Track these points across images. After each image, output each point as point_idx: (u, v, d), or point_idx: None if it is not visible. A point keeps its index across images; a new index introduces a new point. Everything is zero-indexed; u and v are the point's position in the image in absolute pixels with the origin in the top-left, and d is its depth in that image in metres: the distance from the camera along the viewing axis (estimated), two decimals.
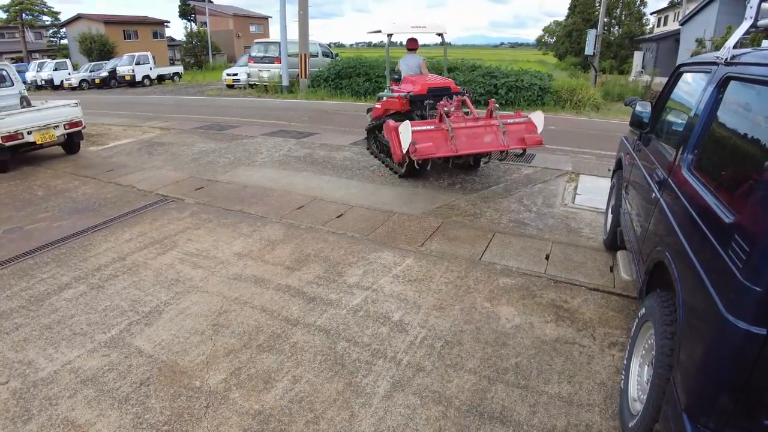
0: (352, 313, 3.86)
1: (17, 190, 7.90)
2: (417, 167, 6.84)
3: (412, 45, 8.52)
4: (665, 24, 42.23)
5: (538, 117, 7.14)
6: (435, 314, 3.83)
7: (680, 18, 32.08)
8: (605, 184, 6.93)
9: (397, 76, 8.41)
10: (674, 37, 31.99)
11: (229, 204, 6.61)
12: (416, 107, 7.36)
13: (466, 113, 7.14)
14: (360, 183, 7.43)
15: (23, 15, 45.63)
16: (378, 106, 7.98)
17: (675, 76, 3.79)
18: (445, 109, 6.46)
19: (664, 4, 44.31)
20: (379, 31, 8.24)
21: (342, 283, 4.36)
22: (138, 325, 3.82)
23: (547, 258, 4.83)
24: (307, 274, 4.53)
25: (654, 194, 3.08)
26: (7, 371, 3.36)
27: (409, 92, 7.36)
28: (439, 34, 8.64)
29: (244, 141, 10.80)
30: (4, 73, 10.74)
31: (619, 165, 5.02)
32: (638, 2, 44.82)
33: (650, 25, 47.35)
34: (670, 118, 3.63)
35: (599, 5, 45.42)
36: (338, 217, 6.01)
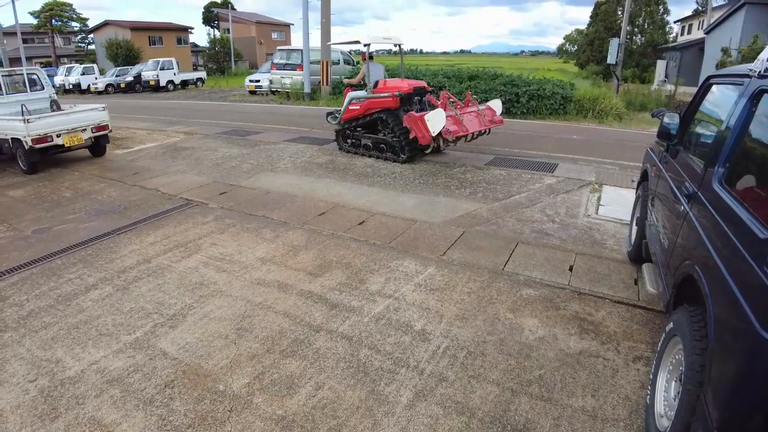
0: (375, 321, 3.87)
1: (46, 192, 8.10)
2: (440, 149, 9.32)
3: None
4: (689, 32, 41.70)
5: (496, 104, 9.44)
6: (458, 324, 3.82)
7: (705, 27, 31.64)
8: (629, 195, 6.88)
9: (357, 82, 10.09)
10: (698, 46, 31.52)
11: (253, 209, 6.69)
12: (403, 104, 9.01)
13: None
14: (381, 190, 7.46)
15: (53, 21, 46.84)
16: (355, 107, 9.35)
17: (704, 88, 3.75)
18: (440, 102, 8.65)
19: (689, 13, 43.78)
20: (358, 42, 9.66)
21: (364, 290, 4.37)
22: (163, 327, 3.88)
23: (570, 269, 4.79)
24: (329, 281, 4.56)
25: (682, 207, 3.05)
26: (35, 369, 3.44)
27: (401, 92, 8.89)
28: (397, 45, 10.36)
29: (266, 147, 10.92)
30: (35, 77, 11.04)
31: (644, 176, 4.96)
32: (661, 10, 44.33)
33: (673, 34, 46.78)
34: (700, 130, 3.58)
35: (622, 14, 45.18)
36: (360, 224, 6.03)
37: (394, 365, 3.34)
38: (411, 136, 8.65)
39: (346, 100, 9.68)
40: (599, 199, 6.94)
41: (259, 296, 4.31)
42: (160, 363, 3.44)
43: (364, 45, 9.26)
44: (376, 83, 9.29)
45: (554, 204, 6.72)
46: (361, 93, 9.47)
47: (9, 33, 36.78)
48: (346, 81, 10.89)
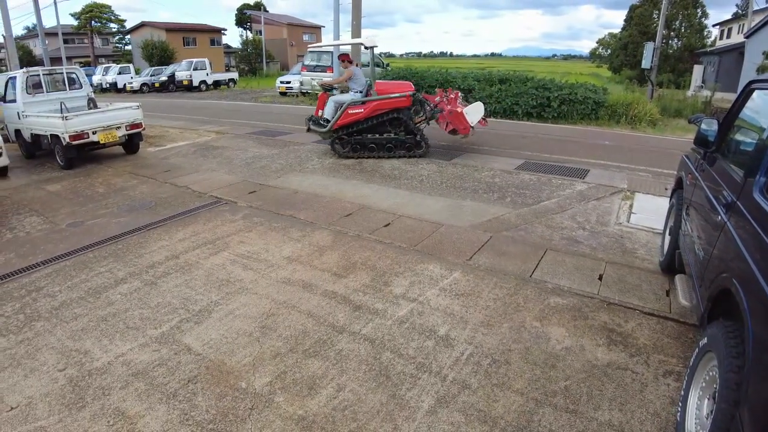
0: (398, 324, 3.84)
1: (81, 187, 8.32)
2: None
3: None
4: (728, 36, 40.48)
5: (477, 106, 10.00)
6: (483, 331, 3.77)
7: (745, 30, 30.71)
8: (662, 203, 6.71)
9: (340, 83, 9.99)
10: (738, 50, 30.58)
11: (280, 208, 6.74)
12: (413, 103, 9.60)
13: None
14: (408, 193, 7.43)
15: (93, 22, 48.25)
16: (357, 111, 9.28)
17: (745, 94, 3.61)
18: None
19: (728, 16, 42.56)
20: (362, 44, 10.06)
21: (388, 293, 4.35)
22: (188, 323, 3.93)
23: (600, 278, 4.67)
24: (353, 282, 4.55)
25: (720, 217, 2.94)
26: (65, 359, 3.53)
27: (414, 92, 9.48)
28: (369, 48, 10.24)
29: (295, 147, 11.01)
30: (74, 76, 11.37)
31: (678, 184, 4.81)
32: (699, 14, 43.21)
33: (712, 38, 45.56)
34: (740, 137, 3.46)
35: (658, 17, 44.20)
36: (385, 226, 6.02)
37: (417, 370, 3.31)
38: (448, 129, 9.72)
39: (330, 105, 9.49)
40: (631, 206, 6.78)
41: (284, 295, 4.33)
42: (184, 358, 3.48)
43: (366, 48, 9.40)
44: (369, 86, 9.48)
45: (585, 211, 6.59)
46: (347, 97, 9.44)
47: (50, 33, 37.91)
48: (324, 82, 10.41)
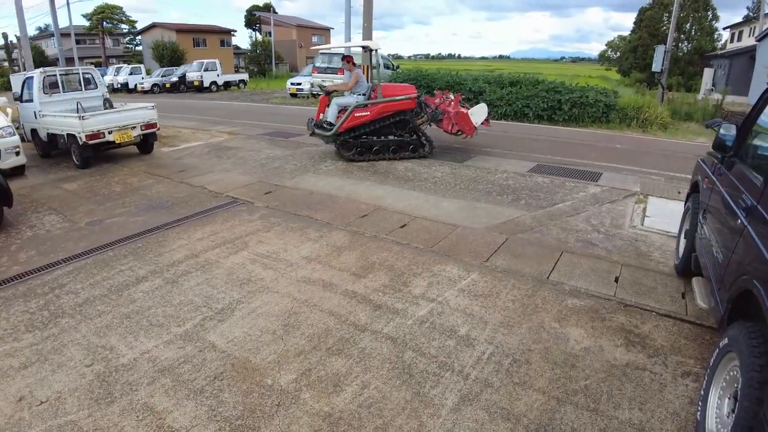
0: (419, 324, 3.90)
1: (97, 186, 8.43)
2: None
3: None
4: (739, 40, 40.26)
5: (481, 108, 10.30)
6: (502, 331, 3.82)
7: (757, 34, 30.52)
8: (675, 207, 6.76)
9: (348, 89, 9.81)
10: (749, 53, 30.37)
11: (297, 209, 6.81)
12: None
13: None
14: (422, 194, 7.48)
15: (104, 23, 48.64)
16: (363, 114, 9.26)
17: (765, 99, 3.64)
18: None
19: (738, 19, 42.32)
20: (368, 47, 10.25)
21: (407, 293, 4.41)
22: (211, 320, 4.00)
23: (616, 281, 4.70)
24: (372, 282, 4.61)
25: (739, 221, 2.97)
26: (91, 355, 3.60)
27: (418, 93, 9.86)
28: (372, 50, 10.47)
29: (308, 149, 11.08)
30: (89, 76, 11.50)
31: (693, 188, 4.84)
32: (710, 16, 43.00)
33: (722, 41, 45.33)
34: (759, 142, 3.48)
35: (668, 20, 44.01)
36: (402, 227, 6.07)
37: (439, 369, 3.36)
38: (454, 130, 9.92)
39: (333, 108, 9.47)
40: (645, 210, 6.80)
41: (305, 294, 4.40)
42: (209, 355, 3.55)
43: (371, 50, 9.53)
44: (370, 88, 9.51)
45: (599, 213, 6.62)
46: (351, 99, 9.45)
47: (63, 34, 38.23)
48: (330, 87, 10.27)
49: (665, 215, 6.55)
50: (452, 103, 10.32)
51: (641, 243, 5.66)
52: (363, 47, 10.91)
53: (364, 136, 9.61)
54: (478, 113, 9.94)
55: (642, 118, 14.69)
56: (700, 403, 2.77)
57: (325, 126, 9.51)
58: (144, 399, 3.13)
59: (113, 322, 4.04)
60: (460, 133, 10.08)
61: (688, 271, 4.48)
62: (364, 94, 9.48)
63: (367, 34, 18.82)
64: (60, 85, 10.84)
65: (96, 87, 11.50)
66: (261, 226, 6.16)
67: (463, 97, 11.79)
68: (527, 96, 15.56)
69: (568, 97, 15.05)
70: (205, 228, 6.14)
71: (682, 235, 4.97)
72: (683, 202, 5.17)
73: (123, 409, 3.04)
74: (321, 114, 9.75)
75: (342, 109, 9.42)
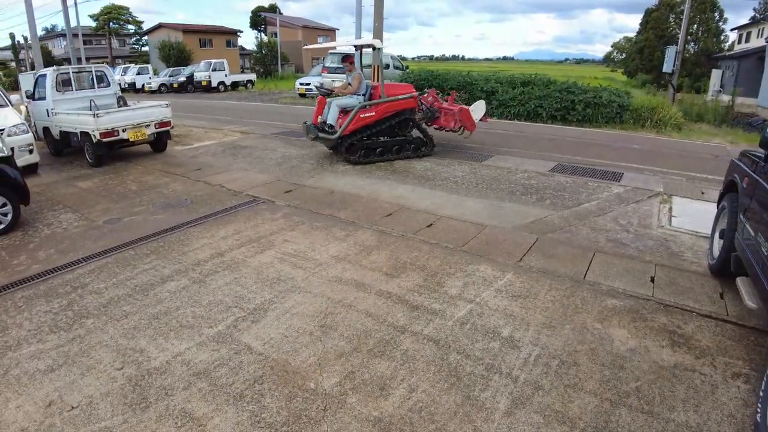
0: (459, 325, 3.77)
1: (112, 184, 8.33)
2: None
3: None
4: (747, 41, 39.97)
5: (479, 105, 10.63)
6: (546, 332, 3.69)
7: (765, 34, 30.36)
8: (701, 207, 6.71)
9: (354, 91, 9.35)
10: (758, 54, 30.22)
11: (319, 208, 6.70)
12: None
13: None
14: (445, 194, 7.36)
15: (111, 23, 48.71)
16: (369, 114, 9.00)
17: None
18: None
19: (744, 20, 42.16)
20: (371, 45, 9.84)
21: (443, 293, 4.28)
22: (244, 321, 3.88)
23: (652, 280, 4.59)
24: (406, 282, 4.49)
25: None
26: (121, 357, 3.46)
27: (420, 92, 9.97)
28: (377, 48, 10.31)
29: (323, 148, 10.92)
30: (102, 74, 11.40)
31: (728, 188, 4.74)
32: (717, 18, 42.86)
33: (729, 42, 45.17)
34: None
35: (674, 21, 43.90)
36: (428, 226, 5.95)
37: (487, 371, 3.24)
38: (457, 127, 10.06)
39: (334, 110, 9.07)
40: (671, 210, 6.68)
41: (339, 294, 4.27)
42: (246, 358, 3.42)
43: (374, 48, 9.39)
44: (370, 88, 9.34)
45: (626, 213, 6.49)
46: (352, 100, 9.13)
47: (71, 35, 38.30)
48: (337, 90, 9.93)
49: (692, 215, 6.45)
50: (448, 100, 10.65)
51: (672, 243, 5.54)
52: (367, 45, 10.63)
53: (369, 138, 9.30)
54: (477, 109, 10.23)
55: (656, 119, 14.55)
56: (759, 405, 2.67)
57: (327, 129, 9.12)
58: (181, 404, 2.99)
59: (141, 323, 3.90)
60: (461, 129, 10.14)
61: (726, 272, 4.38)
62: (363, 95, 9.21)
63: (378, 34, 18.73)
64: (73, 82, 10.72)
65: (108, 85, 11.40)
66: (285, 225, 6.04)
67: (458, 95, 12.32)
68: (540, 96, 15.44)
69: (581, 97, 14.92)
70: (228, 227, 6.02)
71: (716, 235, 4.86)
72: (713, 202, 5.06)
73: (160, 415, 2.90)
74: (319, 116, 9.39)
75: (342, 111, 9.07)
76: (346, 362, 3.33)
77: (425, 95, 10.77)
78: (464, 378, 3.17)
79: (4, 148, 6.37)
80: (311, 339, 3.61)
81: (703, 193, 7.48)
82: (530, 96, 15.62)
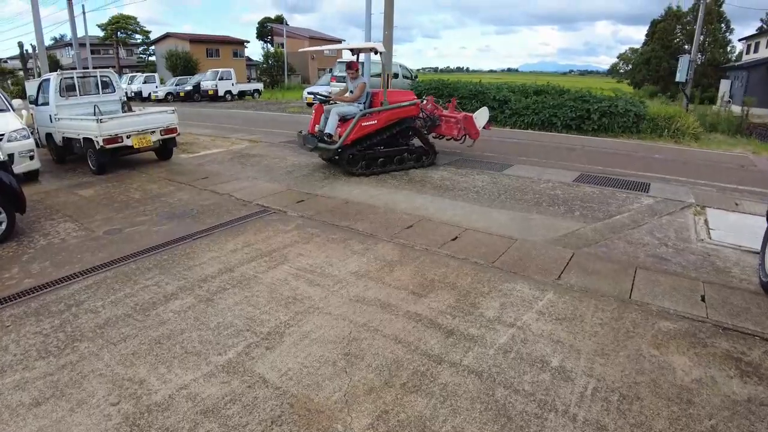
0: (502, 354, 3.33)
1: (115, 192, 7.95)
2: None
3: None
4: (756, 51, 39.68)
5: (482, 113, 10.31)
6: (599, 361, 3.25)
7: None
8: (738, 219, 6.36)
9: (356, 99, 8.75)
10: (767, 65, 29.93)
11: (334, 219, 6.27)
12: None
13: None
14: (467, 204, 6.94)
15: (118, 33, 48.84)
16: (371, 122, 8.49)
17: None
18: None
19: (750, 31, 41.91)
20: (374, 49, 9.15)
21: (479, 315, 3.84)
22: (258, 348, 3.44)
23: (703, 299, 4.17)
24: (436, 302, 4.05)
25: None
26: (117, 390, 3.01)
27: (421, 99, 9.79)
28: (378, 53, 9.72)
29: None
30: (107, 79, 11.08)
31: None
32: (723, 28, 42.63)
33: (736, 53, 44.89)
34: None
35: (680, 32, 43.63)
36: (453, 239, 5.51)
37: (540, 409, 2.79)
38: (459, 134, 9.88)
39: (333, 118, 8.39)
40: (707, 222, 6.26)
41: (362, 316, 3.83)
42: (261, 392, 2.96)
43: (377, 52, 8.88)
44: (369, 95, 8.84)
45: (661, 226, 6.06)
46: (353, 108, 8.55)
47: (78, 44, 38.33)
48: (337, 98, 9.31)
49: (731, 228, 6.05)
50: (449, 108, 10.51)
51: (715, 258, 5.11)
52: (368, 49, 10.08)
53: (371, 148, 8.72)
54: (480, 117, 10.09)
55: (674, 128, 14.15)
56: None
57: (326, 139, 8.44)
58: None
59: (141, 349, 3.45)
60: (463, 138, 10.00)
61: None
62: (364, 102, 8.67)
63: (388, 43, 18.45)
64: (77, 88, 10.39)
65: (114, 90, 11.06)
66: (299, 237, 5.61)
67: (458, 102, 12.39)
68: (554, 105, 15.07)
69: (596, 106, 14.54)
70: (237, 239, 5.60)
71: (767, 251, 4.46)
72: (750, 214, 4.67)
73: None
74: (316, 125, 8.75)
75: (341, 120, 8.48)
76: (377, 399, 2.88)
77: (424, 102, 10.34)
78: (515, 418, 2.72)
79: (0, 154, 6.00)
80: (335, 370, 3.16)
81: (737, 204, 7.07)
82: (544, 105, 15.24)
